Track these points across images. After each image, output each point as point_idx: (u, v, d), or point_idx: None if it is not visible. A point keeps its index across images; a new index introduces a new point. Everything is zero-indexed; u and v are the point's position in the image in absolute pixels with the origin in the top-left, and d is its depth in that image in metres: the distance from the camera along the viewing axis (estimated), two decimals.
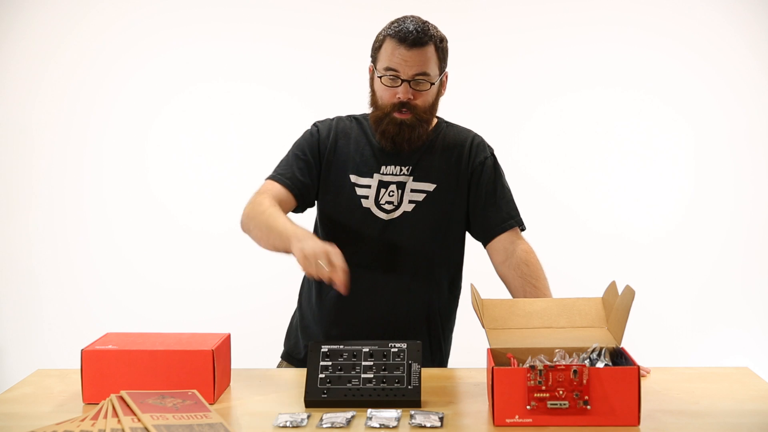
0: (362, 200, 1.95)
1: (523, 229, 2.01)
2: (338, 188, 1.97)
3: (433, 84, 1.91)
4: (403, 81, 1.87)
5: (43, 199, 3.52)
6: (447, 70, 1.97)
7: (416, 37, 1.86)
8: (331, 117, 2.07)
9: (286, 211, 1.96)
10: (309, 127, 2.06)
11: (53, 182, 3.52)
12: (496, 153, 2.06)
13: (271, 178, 1.99)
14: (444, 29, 1.94)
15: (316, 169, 1.99)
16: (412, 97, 1.88)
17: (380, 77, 1.90)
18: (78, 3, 3.46)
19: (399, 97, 1.88)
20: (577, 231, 3.48)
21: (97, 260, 3.52)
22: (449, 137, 2.02)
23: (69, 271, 3.52)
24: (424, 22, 1.91)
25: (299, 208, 2.02)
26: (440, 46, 1.92)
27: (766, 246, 3.47)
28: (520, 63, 3.48)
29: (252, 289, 3.45)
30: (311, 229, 2.05)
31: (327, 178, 1.99)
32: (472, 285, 1.68)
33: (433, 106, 1.95)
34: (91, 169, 3.52)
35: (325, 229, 2.01)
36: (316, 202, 2.03)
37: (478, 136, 2.06)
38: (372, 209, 1.95)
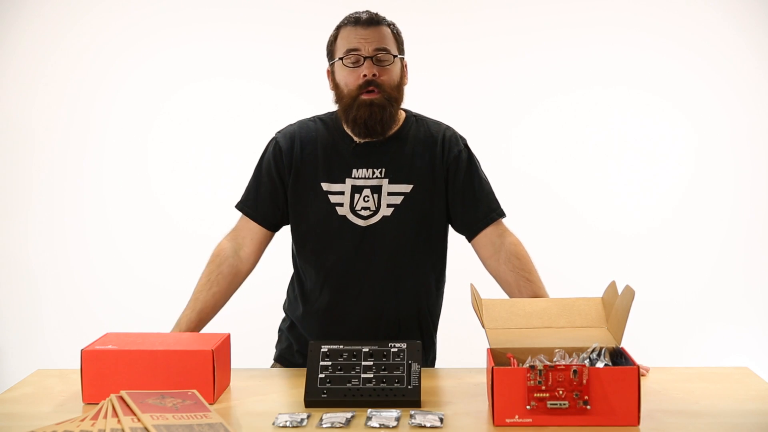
0: (337, 208, 1.91)
1: (503, 217, 1.97)
2: (310, 198, 1.92)
3: (396, 58, 1.89)
4: (365, 58, 1.86)
5: (43, 199, 3.52)
6: (406, 59, 1.95)
7: (370, 17, 1.89)
8: (293, 122, 2.02)
9: (264, 243, 1.99)
10: (270, 140, 2.01)
11: (53, 182, 3.51)
12: (469, 144, 2.01)
13: (243, 212, 1.99)
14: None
15: (283, 189, 1.95)
16: (377, 74, 1.86)
17: (341, 58, 1.87)
18: (78, 2, 3.46)
19: (364, 75, 1.85)
20: (577, 230, 3.48)
21: (97, 260, 3.52)
22: (420, 133, 1.97)
23: (69, 271, 3.52)
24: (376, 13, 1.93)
25: (276, 230, 2.02)
26: (395, 30, 1.93)
27: (766, 245, 3.48)
28: (522, 62, 3.47)
29: (252, 289, 3.42)
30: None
31: (297, 189, 1.94)
32: (472, 285, 1.68)
33: (400, 86, 1.91)
34: (91, 169, 3.52)
35: (301, 241, 1.97)
36: (289, 215, 1.98)
37: (450, 128, 2.01)
38: (348, 216, 1.90)
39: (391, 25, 1.93)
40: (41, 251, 3.52)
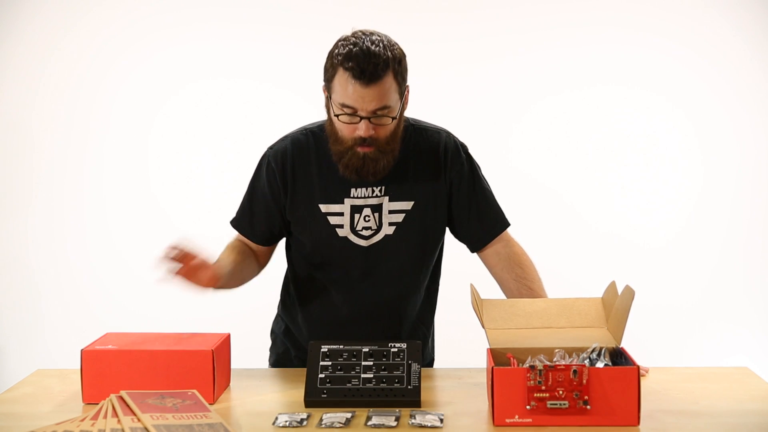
0: (337, 229, 1.86)
1: (508, 226, 1.94)
2: (309, 220, 1.87)
3: (394, 118, 1.76)
4: (362, 118, 1.73)
5: (43, 199, 3.51)
6: (408, 84, 1.80)
7: (372, 71, 1.68)
8: (285, 135, 1.93)
9: (267, 254, 1.99)
10: (262, 157, 1.93)
11: (53, 182, 3.51)
12: (469, 145, 1.95)
13: (239, 232, 1.96)
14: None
15: (278, 210, 1.90)
16: (373, 133, 1.74)
17: (337, 116, 1.74)
18: (78, 2, 3.46)
19: (360, 134, 1.74)
20: (576, 230, 3.47)
21: (96, 260, 3.51)
22: (420, 145, 1.88)
23: (69, 271, 3.52)
24: (379, 44, 1.71)
25: (276, 242, 1.99)
26: (398, 70, 1.74)
27: (767, 245, 3.47)
28: (522, 61, 3.46)
29: (252, 289, 3.42)
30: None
31: (294, 211, 1.88)
32: (472, 285, 1.68)
33: (396, 133, 1.80)
34: (91, 169, 3.51)
35: (304, 258, 1.94)
36: (291, 233, 1.95)
37: (449, 135, 1.92)
38: (349, 237, 1.86)
39: (395, 66, 1.73)
40: (41, 251, 3.52)
